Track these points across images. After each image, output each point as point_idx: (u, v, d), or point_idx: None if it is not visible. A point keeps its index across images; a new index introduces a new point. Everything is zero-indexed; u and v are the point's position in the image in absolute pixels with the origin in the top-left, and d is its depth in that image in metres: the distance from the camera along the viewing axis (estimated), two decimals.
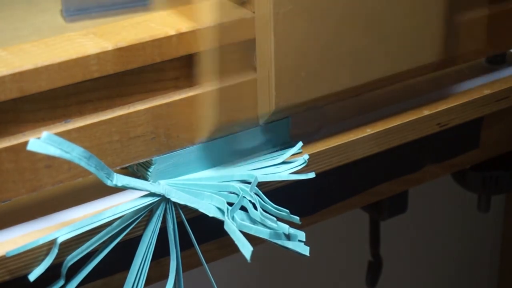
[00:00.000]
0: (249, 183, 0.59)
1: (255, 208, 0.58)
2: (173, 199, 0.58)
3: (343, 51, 0.61)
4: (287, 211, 0.59)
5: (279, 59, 0.58)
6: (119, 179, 0.56)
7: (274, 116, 0.61)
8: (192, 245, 0.59)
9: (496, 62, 0.78)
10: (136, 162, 0.58)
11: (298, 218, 0.59)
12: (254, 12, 0.58)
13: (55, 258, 0.54)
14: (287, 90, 0.59)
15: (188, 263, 0.62)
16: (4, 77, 0.52)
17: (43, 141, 0.51)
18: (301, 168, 0.62)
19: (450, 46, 0.67)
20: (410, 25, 0.63)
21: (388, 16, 0.62)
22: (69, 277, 0.56)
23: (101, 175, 0.54)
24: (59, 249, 0.54)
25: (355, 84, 0.63)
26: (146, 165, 0.59)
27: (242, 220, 0.58)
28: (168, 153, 0.59)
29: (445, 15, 0.65)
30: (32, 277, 0.54)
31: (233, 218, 0.57)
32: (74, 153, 0.53)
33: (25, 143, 0.53)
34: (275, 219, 0.57)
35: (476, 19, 0.72)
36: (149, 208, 0.58)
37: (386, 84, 0.66)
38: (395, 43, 0.63)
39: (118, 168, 0.58)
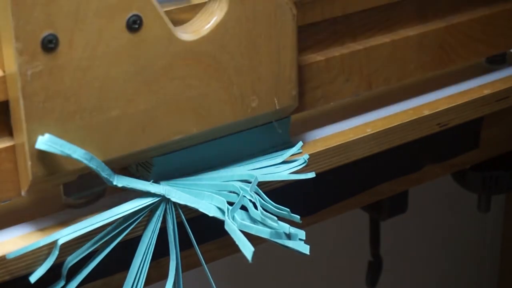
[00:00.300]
0: (249, 182, 0.59)
1: (256, 207, 0.58)
2: (173, 199, 0.58)
3: (116, 114, 0.54)
4: (288, 210, 0.59)
5: (31, 125, 0.51)
6: (119, 180, 0.56)
7: (38, 187, 0.53)
8: (192, 245, 0.59)
9: (496, 62, 0.78)
10: None
11: (298, 217, 0.59)
12: (4, 71, 0.52)
13: (55, 258, 0.54)
14: (46, 160, 0.52)
15: (188, 263, 0.62)
16: (4, 77, 0.52)
17: (45, 143, 0.51)
18: (301, 168, 0.62)
19: (247, 106, 0.60)
20: (199, 85, 0.57)
21: (173, 75, 0.56)
22: (69, 277, 0.56)
23: (102, 176, 0.54)
24: (60, 250, 0.54)
25: (137, 149, 0.56)
26: (147, 165, 0.59)
27: (243, 219, 0.58)
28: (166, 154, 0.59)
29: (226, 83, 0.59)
30: (33, 278, 0.54)
31: (233, 218, 0.57)
32: (75, 154, 0.53)
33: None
34: (275, 218, 0.57)
35: (476, 19, 0.72)
36: (149, 208, 0.58)
37: (182, 146, 0.59)
38: (186, 104, 0.57)
39: (118, 168, 0.58)
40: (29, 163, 0.52)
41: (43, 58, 0.50)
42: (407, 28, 0.69)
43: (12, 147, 0.54)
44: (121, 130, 0.55)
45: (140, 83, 0.55)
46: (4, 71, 0.52)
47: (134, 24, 0.53)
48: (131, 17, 0.53)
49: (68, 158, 0.53)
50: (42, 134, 0.52)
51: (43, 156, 0.52)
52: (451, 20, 0.71)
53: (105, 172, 0.55)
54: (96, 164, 0.54)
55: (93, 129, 0.54)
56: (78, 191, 0.57)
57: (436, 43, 0.70)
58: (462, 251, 1.51)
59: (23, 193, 0.54)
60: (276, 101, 0.60)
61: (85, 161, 0.53)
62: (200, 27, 0.57)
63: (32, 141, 0.52)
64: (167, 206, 0.59)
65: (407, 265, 1.45)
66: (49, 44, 0.50)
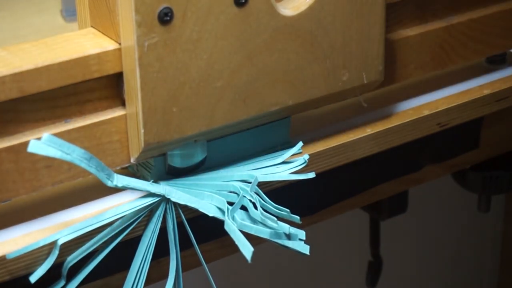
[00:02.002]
0: (250, 183, 0.59)
1: (255, 207, 0.58)
2: (173, 199, 0.58)
3: (220, 84, 0.57)
4: (288, 210, 0.59)
5: (146, 94, 0.54)
6: (119, 180, 0.56)
7: (145, 154, 0.57)
8: (192, 245, 0.59)
9: (496, 62, 0.78)
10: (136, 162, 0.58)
11: (298, 217, 0.59)
12: (120, 44, 0.55)
13: (55, 258, 0.54)
14: (157, 128, 0.55)
15: (188, 263, 0.62)
16: (4, 77, 0.52)
17: (43, 143, 0.51)
18: (301, 168, 0.62)
19: (339, 80, 0.63)
20: (296, 59, 0.60)
21: (273, 48, 0.59)
22: (69, 277, 0.56)
23: (102, 176, 0.54)
24: (60, 250, 0.54)
25: (238, 119, 0.59)
26: (146, 165, 0.59)
27: (243, 219, 0.58)
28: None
29: (334, 48, 0.61)
30: (33, 279, 0.54)
31: (233, 218, 0.57)
32: (74, 154, 0.53)
33: (26, 143, 0.53)
34: (275, 218, 0.57)
35: (475, 19, 0.72)
36: (149, 208, 0.58)
37: (279, 116, 0.63)
38: (284, 76, 0.60)
39: (118, 168, 0.58)
40: (142, 130, 0.55)
41: (159, 30, 0.53)
42: (407, 28, 0.69)
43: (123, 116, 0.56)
44: (225, 100, 0.58)
45: (243, 56, 0.57)
46: (120, 44, 0.54)
47: None
48: None
49: (178, 126, 0.56)
50: (155, 104, 0.55)
51: (155, 126, 0.55)
52: (451, 20, 0.71)
53: (104, 172, 0.55)
54: (95, 164, 0.54)
55: (200, 99, 0.57)
56: (180, 160, 0.59)
57: (436, 43, 0.70)
58: (462, 251, 1.51)
59: (132, 160, 0.57)
60: (364, 76, 0.63)
61: (84, 161, 0.53)
62: (299, 3, 0.60)
63: (146, 109, 0.55)
64: (167, 206, 0.59)
65: (407, 265, 1.45)
66: (165, 17, 0.53)
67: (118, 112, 0.57)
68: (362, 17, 0.62)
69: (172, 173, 0.60)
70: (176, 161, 0.59)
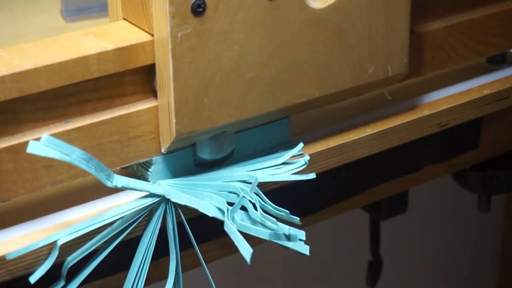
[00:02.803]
0: (250, 183, 0.59)
1: (255, 208, 0.58)
2: (173, 200, 0.58)
3: (251, 76, 0.58)
4: (287, 211, 0.59)
5: (178, 85, 0.55)
6: (119, 180, 0.56)
7: (177, 144, 0.58)
8: (192, 245, 0.59)
9: (496, 62, 0.78)
10: (136, 162, 0.58)
11: (298, 219, 0.59)
12: (153, 35, 0.56)
13: (55, 259, 0.54)
14: (188, 118, 0.56)
15: (188, 263, 0.62)
16: (4, 77, 0.52)
17: (42, 144, 0.51)
18: (302, 169, 0.62)
19: (364, 72, 0.63)
20: (324, 51, 0.61)
21: (302, 40, 0.59)
22: (69, 277, 0.56)
23: (101, 177, 0.54)
24: (60, 250, 0.54)
25: (266, 111, 0.60)
26: (146, 165, 0.59)
27: (242, 220, 0.58)
28: (168, 153, 0.59)
29: (361, 41, 0.62)
30: (33, 279, 0.54)
31: (233, 218, 0.57)
32: (74, 155, 0.53)
33: (25, 143, 0.53)
34: (275, 220, 0.57)
35: (475, 19, 0.72)
36: (149, 208, 0.58)
37: (305, 109, 0.63)
38: (312, 68, 0.60)
39: (118, 168, 0.58)
40: (174, 120, 0.56)
41: (192, 21, 0.54)
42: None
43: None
44: (255, 92, 0.59)
45: (273, 48, 0.58)
46: (152, 35, 0.55)
47: None
48: None
49: (209, 117, 0.57)
50: (187, 95, 0.55)
51: (186, 116, 0.56)
52: (451, 20, 0.71)
53: (104, 173, 0.55)
54: (94, 165, 0.54)
55: (230, 90, 0.57)
56: (209, 151, 0.60)
57: (436, 43, 0.70)
58: (462, 251, 1.51)
59: (163, 149, 0.58)
60: (389, 68, 0.64)
61: (83, 162, 0.53)
62: None
63: (178, 99, 0.55)
64: (167, 206, 0.59)
65: (407, 265, 1.45)
66: (198, 9, 0.54)
67: (117, 112, 0.57)
68: (388, 10, 0.62)
69: (202, 165, 0.61)
70: (206, 153, 0.60)
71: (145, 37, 0.56)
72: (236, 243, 0.56)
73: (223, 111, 0.58)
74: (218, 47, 0.56)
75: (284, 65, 0.59)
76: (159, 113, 0.57)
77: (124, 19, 0.58)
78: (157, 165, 0.59)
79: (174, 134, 0.56)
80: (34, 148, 0.51)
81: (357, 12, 0.61)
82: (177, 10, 0.53)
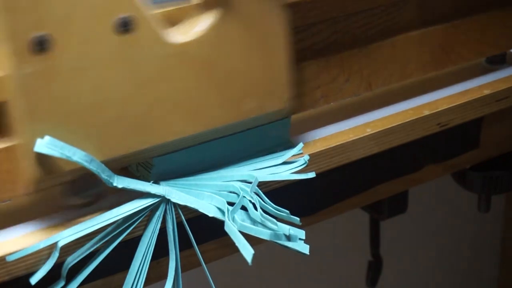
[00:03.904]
0: (250, 183, 0.59)
1: (255, 208, 0.58)
2: (173, 200, 0.58)
3: (113, 114, 0.54)
4: (287, 211, 0.59)
5: (31, 125, 0.51)
6: (119, 181, 0.56)
7: (34, 188, 0.54)
8: (192, 245, 0.59)
9: (496, 62, 0.78)
10: None
11: (298, 219, 0.59)
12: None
13: (56, 259, 0.54)
14: (45, 160, 0.53)
15: (188, 263, 0.62)
16: (2, 77, 0.52)
17: (45, 146, 0.51)
18: (301, 168, 0.62)
19: (241, 108, 0.60)
20: (192, 87, 0.57)
21: (167, 76, 0.56)
22: (69, 277, 0.56)
23: (103, 177, 0.54)
24: (60, 250, 0.54)
25: (136, 149, 0.56)
26: (147, 166, 0.59)
27: (243, 220, 0.58)
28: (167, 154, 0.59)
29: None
30: (33, 280, 0.54)
31: (233, 219, 0.57)
32: (75, 156, 0.53)
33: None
34: (275, 220, 0.57)
35: (475, 19, 0.72)
36: (149, 209, 0.58)
37: (173, 149, 0.59)
38: (181, 105, 0.57)
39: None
40: (27, 163, 0.52)
41: (35, 59, 0.51)
42: (407, 28, 0.69)
43: (13, 147, 0.53)
44: (119, 131, 0.55)
45: (133, 85, 0.55)
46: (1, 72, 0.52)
47: (124, 26, 0.53)
48: (120, 19, 0.53)
49: (64, 162, 0.53)
50: (40, 134, 0.52)
51: (42, 156, 0.53)
52: (451, 20, 0.71)
53: (105, 174, 0.55)
54: (96, 166, 0.54)
55: (91, 129, 0.54)
56: (78, 191, 0.57)
57: (436, 43, 0.70)
58: (462, 251, 1.51)
59: (21, 192, 0.54)
60: (269, 104, 0.61)
61: (86, 163, 0.53)
62: (191, 29, 0.57)
63: (29, 141, 0.52)
64: (167, 207, 0.59)
65: (407, 265, 1.45)
66: (39, 46, 0.51)
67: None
68: (264, 43, 0.59)
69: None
70: (71, 199, 0.57)
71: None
72: (237, 244, 0.56)
73: (85, 151, 0.54)
74: (69, 85, 0.52)
75: (148, 103, 0.56)
76: (14, 154, 0.53)
77: None
78: (158, 166, 0.59)
79: (29, 177, 0.53)
80: (39, 148, 0.51)
81: (227, 45, 0.57)
82: (17, 48, 0.50)
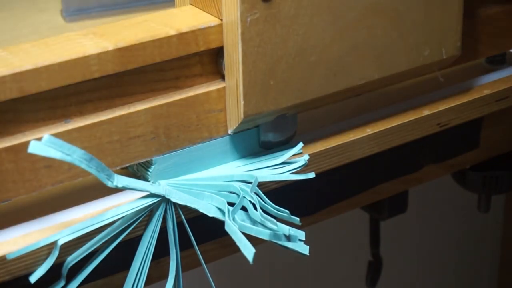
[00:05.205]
0: (250, 183, 0.59)
1: (255, 208, 0.58)
2: (174, 200, 0.58)
3: (314, 59, 0.60)
4: (287, 211, 0.59)
5: (246, 67, 0.57)
6: (119, 180, 0.56)
7: (244, 125, 0.60)
8: (192, 245, 0.59)
9: (496, 62, 0.78)
10: (136, 162, 0.58)
11: (298, 219, 0.59)
12: (221, 20, 0.58)
13: (55, 259, 0.54)
14: (255, 99, 0.59)
15: (188, 263, 0.62)
16: (4, 77, 0.52)
17: (44, 144, 0.51)
18: (301, 168, 0.62)
19: (420, 55, 0.66)
20: (382, 35, 0.63)
21: (363, 24, 0.62)
22: (69, 277, 0.56)
23: (102, 177, 0.54)
24: (60, 250, 0.54)
25: (328, 92, 0.62)
26: (146, 165, 0.59)
27: (243, 220, 0.58)
28: (168, 153, 0.59)
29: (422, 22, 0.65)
30: (33, 279, 0.54)
31: (234, 219, 0.57)
32: (75, 155, 0.53)
33: (26, 143, 0.53)
34: (275, 220, 0.57)
35: (476, 20, 0.72)
36: (149, 208, 0.58)
37: (364, 91, 0.66)
38: (371, 51, 0.63)
39: (118, 168, 0.58)
40: (242, 102, 0.58)
41: (261, 6, 0.57)
42: None
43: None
44: (318, 74, 0.61)
45: (335, 31, 0.61)
46: (221, 20, 0.58)
47: None
48: None
49: (274, 99, 0.59)
50: (254, 75, 0.58)
51: (254, 98, 0.58)
52: None
53: (104, 173, 0.55)
54: (95, 165, 0.54)
55: (295, 72, 0.60)
56: (273, 131, 0.63)
57: None
58: (462, 251, 1.51)
59: (230, 131, 0.61)
60: (443, 51, 0.66)
61: (84, 162, 0.53)
62: None
63: (246, 81, 0.58)
64: (167, 206, 0.59)
65: (407, 265, 1.45)
66: None
67: (118, 112, 0.57)
68: None
69: (266, 147, 0.63)
70: (270, 135, 0.62)
71: (214, 21, 0.58)
72: (238, 244, 0.56)
73: (288, 93, 0.60)
74: (284, 31, 0.58)
75: (345, 49, 0.61)
76: (226, 96, 0.60)
77: (191, 4, 0.60)
78: (157, 165, 0.59)
79: (242, 116, 0.59)
80: (35, 148, 0.51)
81: None
82: None
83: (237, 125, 0.60)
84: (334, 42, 0.61)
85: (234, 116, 0.60)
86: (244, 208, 0.58)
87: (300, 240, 0.59)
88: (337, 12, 0.60)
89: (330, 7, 0.60)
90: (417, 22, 0.64)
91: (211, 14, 0.58)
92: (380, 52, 0.63)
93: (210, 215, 0.58)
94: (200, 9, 0.59)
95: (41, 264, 0.54)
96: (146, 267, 0.58)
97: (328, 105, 0.66)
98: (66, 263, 0.55)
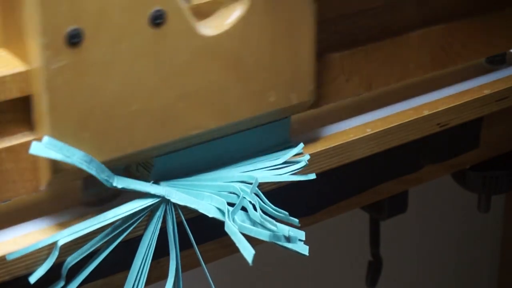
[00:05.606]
0: (250, 183, 0.59)
1: (255, 209, 0.58)
2: (173, 200, 0.58)
3: (136, 108, 0.54)
4: (286, 213, 0.59)
5: (55, 119, 0.51)
6: (119, 181, 0.56)
7: (57, 181, 0.54)
8: (192, 245, 0.59)
9: (496, 62, 0.78)
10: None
11: (297, 220, 0.59)
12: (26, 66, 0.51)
13: (55, 259, 0.54)
14: None
15: (188, 263, 0.62)
16: (4, 77, 0.52)
17: (44, 146, 0.51)
18: (302, 169, 0.62)
19: (265, 101, 0.60)
20: (218, 80, 0.57)
21: (194, 69, 0.56)
22: (69, 277, 0.56)
23: (102, 178, 0.54)
24: (60, 250, 0.54)
25: (157, 143, 0.56)
26: (146, 166, 0.59)
27: (242, 221, 0.58)
28: (168, 153, 0.59)
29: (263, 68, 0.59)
30: (32, 279, 0.54)
31: (233, 219, 0.57)
32: (75, 157, 0.53)
33: (26, 143, 0.53)
34: (274, 221, 0.57)
35: (476, 20, 0.72)
36: (149, 209, 0.58)
37: (203, 140, 0.60)
38: (205, 98, 0.57)
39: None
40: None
41: (67, 53, 0.51)
42: (408, 28, 0.69)
43: (20, 145, 0.53)
44: (142, 124, 0.55)
45: (160, 78, 0.55)
46: (26, 66, 0.52)
47: (157, 19, 0.53)
48: (154, 12, 0.53)
49: (90, 153, 0.53)
50: (63, 129, 0.52)
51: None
52: (451, 20, 0.71)
53: (104, 174, 0.54)
54: (95, 167, 0.54)
55: (114, 123, 0.54)
56: (96, 187, 0.58)
57: (436, 43, 0.70)
58: (462, 251, 1.51)
59: (41, 188, 0.55)
60: (293, 96, 0.61)
61: (85, 164, 0.53)
62: (221, 22, 0.57)
63: (55, 134, 0.52)
64: (167, 207, 0.59)
65: (407, 265, 1.45)
66: (73, 39, 0.50)
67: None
68: (291, 35, 0.59)
69: (89, 204, 0.58)
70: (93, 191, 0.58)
71: (21, 68, 0.52)
72: (237, 244, 0.56)
73: (107, 147, 0.54)
74: (97, 79, 0.52)
75: (174, 96, 0.56)
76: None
77: (4, 47, 0.53)
78: (157, 166, 0.59)
79: (51, 172, 0.53)
80: (35, 150, 0.51)
81: (255, 37, 0.57)
82: (51, 41, 0.50)
83: (48, 181, 0.54)
84: (160, 89, 0.55)
85: (44, 172, 0.54)
86: (244, 209, 0.58)
87: (300, 240, 0.59)
88: (162, 57, 0.54)
89: (153, 51, 0.54)
90: (260, 65, 0.58)
91: (22, 60, 0.52)
92: (216, 99, 0.57)
93: (210, 215, 0.58)
94: (13, 53, 0.53)
95: (41, 264, 0.54)
96: (147, 267, 0.58)
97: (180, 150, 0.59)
98: (66, 263, 0.55)
